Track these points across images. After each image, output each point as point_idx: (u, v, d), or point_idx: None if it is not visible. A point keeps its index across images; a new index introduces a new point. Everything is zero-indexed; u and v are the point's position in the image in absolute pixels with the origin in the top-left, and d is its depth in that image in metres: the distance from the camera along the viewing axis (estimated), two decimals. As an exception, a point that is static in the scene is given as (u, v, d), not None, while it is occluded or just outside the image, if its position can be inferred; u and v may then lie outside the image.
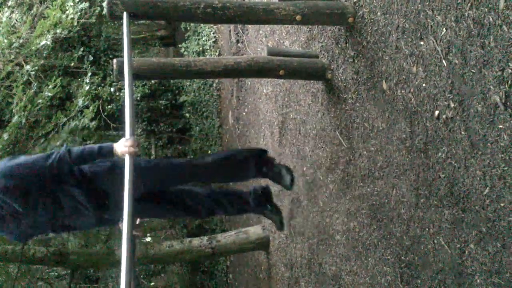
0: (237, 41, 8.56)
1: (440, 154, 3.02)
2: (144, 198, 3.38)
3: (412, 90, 3.27)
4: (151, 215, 3.97)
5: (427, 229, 3.22)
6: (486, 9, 2.54)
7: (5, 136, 7.22)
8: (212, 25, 10.64)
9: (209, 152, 11.27)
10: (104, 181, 3.25)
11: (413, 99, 3.26)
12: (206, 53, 10.60)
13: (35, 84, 8.09)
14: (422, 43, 3.12)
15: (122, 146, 2.92)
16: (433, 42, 2.99)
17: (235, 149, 3.97)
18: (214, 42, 10.58)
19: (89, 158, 3.12)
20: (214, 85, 10.91)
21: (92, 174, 3.25)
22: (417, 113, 3.23)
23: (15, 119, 7.35)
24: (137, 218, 3.49)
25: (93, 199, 3.24)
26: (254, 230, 7.41)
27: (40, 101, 7.62)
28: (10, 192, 2.95)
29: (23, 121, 7.38)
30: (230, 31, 9.10)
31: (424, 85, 3.12)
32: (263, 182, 4.16)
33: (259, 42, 7.07)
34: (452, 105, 2.86)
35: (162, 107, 12.19)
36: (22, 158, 3.06)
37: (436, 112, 3.01)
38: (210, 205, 3.71)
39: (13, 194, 2.96)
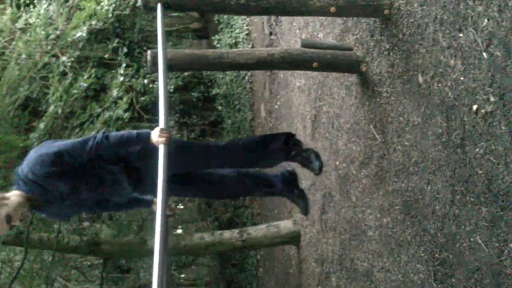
0: (270, 34, 8.51)
1: (478, 149, 2.93)
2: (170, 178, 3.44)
3: (449, 84, 3.18)
4: (174, 194, 4.02)
5: (463, 226, 3.14)
6: (530, 0, 2.45)
7: (42, 125, 7.34)
8: (245, 17, 10.62)
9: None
10: (138, 160, 3.37)
11: (450, 93, 3.18)
12: (239, 46, 10.57)
13: (71, 75, 8.19)
14: (461, 35, 3.03)
15: (157, 136, 3.01)
16: (473, 34, 2.90)
17: (263, 134, 4.01)
18: (247, 34, 10.55)
19: (126, 144, 3.23)
20: (247, 77, 10.88)
21: (128, 152, 3.37)
22: (454, 108, 3.14)
23: (51, 109, 7.46)
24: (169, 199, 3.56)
25: (129, 176, 3.37)
26: (285, 224, 7.38)
27: (75, 91, 7.71)
28: (52, 176, 3.09)
29: (59, 111, 7.48)
30: (263, 23, 9.06)
31: (462, 78, 3.03)
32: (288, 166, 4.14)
33: (293, 34, 7.02)
34: (492, 99, 2.77)
35: (195, 100, 12.23)
36: (61, 144, 3.18)
37: (475, 107, 2.92)
38: (235, 188, 3.75)
39: (56, 178, 3.11)
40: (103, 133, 3.20)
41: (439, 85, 3.30)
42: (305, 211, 3.95)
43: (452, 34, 3.12)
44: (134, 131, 3.22)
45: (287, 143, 3.70)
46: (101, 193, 3.42)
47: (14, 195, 3.10)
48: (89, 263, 13.68)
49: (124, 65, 9.22)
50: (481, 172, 2.92)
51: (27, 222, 3.37)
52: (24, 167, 3.13)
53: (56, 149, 3.11)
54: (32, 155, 3.15)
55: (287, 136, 3.78)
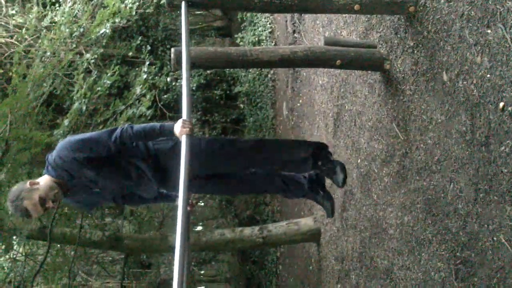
0: (294, 32, 8.51)
1: (503, 148, 2.91)
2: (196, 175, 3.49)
3: (474, 81, 3.16)
4: (200, 191, 4.09)
5: (486, 225, 3.12)
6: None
7: (66, 122, 7.44)
8: (268, 15, 10.63)
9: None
10: (166, 158, 3.45)
11: (475, 91, 3.16)
12: (262, 44, 10.59)
13: (95, 73, 8.29)
14: (489, 31, 3.01)
15: (180, 127, 3.08)
16: (502, 30, 2.87)
17: (295, 139, 4.04)
18: (270, 32, 10.56)
19: (150, 135, 3.32)
20: (269, 75, 10.89)
21: (156, 150, 3.47)
22: (479, 105, 3.12)
23: (75, 106, 7.55)
24: (190, 194, 3.61)
25: (156, 173, 3.47)
26: (306, 222, 7.38)
27: (99, 88, 7.80)
28: (79, 163, 3.22)
29: (84, 108, 7.57)
30: (286, 21, 9.06)
31: (488, 75, 3.01)
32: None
33: (316, 32, 7.01)
34: (518, 97, 2.75)
35: (217, 97, 12.27)
36: (87, 134, 3.35)
37: (501, 104, 2.90)
38: (262, 185, 3.79)
39: (83, 165, 3.24)
40: (129, 124, 3.32)
41: (464, 82, 3.28)
42: (331, 213, 3.95)
43: (480, 31, 3.10)
44: (158, 123, 3.31)
45: (317, 152, 3.70)
46: (127, 186, 3.52)
47: (44, 179, 3.27)
48: (110, 258, 13.81)
49: (147, 63, 9.30)
50: (506, 170, 2.90)
51: (59, 204, 3.50)
52: (53, 153, 3.28)
53: (83, 136, 3.28)
54: (64, 141, 3.30)
55: (319, 145, 3.79)
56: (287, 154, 3.69)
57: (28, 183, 3.21)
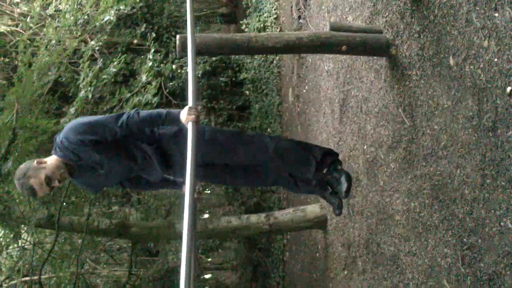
0: (299, 17, 8.46)
1: (510, 133, 2.89)
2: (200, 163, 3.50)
3: (481, 66, 3.13)
4: (204, 180, 4.07)
5: (492, 210, 3.11)
6: None
7: (72, 110, 7.45)
8: (273, 0, 10.57)
9: (268, 129, 11.26)
10: (169, 143, 3.48)
11: (482, 75, 3.13)
12: (267, 30, 10.54)
13: (101, 61, 8.28)
14: (496, 14, 2.97)
15: (185, 114, 3.08)
16: (510, 13, 2.84)
17: (308, 142, 4.01)
18: (275, 18, 10.50)
19: (157, 122, 3.34)
20: (275, 62, 10.84)
21: (159, 135, 3.49)
22: (486, 90, 3.09)
23: (81, 94, 7.55)
24: (197, 182, 3.61)
25: (160, 158, 3.49)
26: (312, 209, 7.38)
27: (104, 76, 7.79)
28: (86, 145, 3.26)
29: (90, 96, 7.58)
30: (291, 7, 9.00)
31: (496, 60, 2.98)
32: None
33: (321, 18, 6.97)
34: (525, 81, 2.73)
35: (222, 84, 12.23)
36: (95, 117, 3.37)
37: (508, 89, 2.87)
38: (270, 178, 3.76)
39: (89, 147, 3.28)
40: (136, 109, 3.33)
41: (471, 67, 3.25)
42: (338, 211, 3.84)
43: (487, 14, 3.06)
44: (165, 110, 3.31)
45: (326, 158, 3.63)
46: (133, 169, 3.55)
47: (51, 159, 3.32)
48: (118, 246, 13.87)
49: (153, 50, 9.27)
50: (512, 155, 2.88)
51: (64, 182, 3.54)
52: (61, 135, 3.32)
53: (90, 119, 3.31)
54: (71, 123, 3.33)
55: (329, 151, 3.72)
56: (293, 155, 3.63)
57: (35, 161, 3.26)
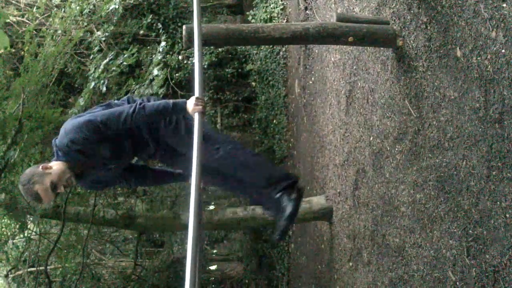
0: (306, 8, 8.44)
1: (516, 124, 2.88)
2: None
3: (489, 57, 3.11)
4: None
5: (498, 202, 3.10)
6: None
7: (81, 101, 7.47)
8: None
9: (274, 121, 11.26)
10: (165, 132, 3.46)
11: (489, 66, 3.11)
12: (274, 21, 10.51)
13: (113, 53, 8.28)
14: (504, 5, 2.95)
15: (192, 104, 3.06)
16: (517, 4, 2.82)
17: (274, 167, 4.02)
18: (282, 9, 10.47)
19: (163, 115, 3.29)
20: (281, 53, 10.82)
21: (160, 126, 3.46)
22: (494, 81, 3.08)
23: (91, 85, 7.58)
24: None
25: (158, 145, 3.50)
26: (317, 200, 7.38)
27: (114, 68, 7.81)
28: (92, 142, 3.20)
29: (104, 89, 7.60)
30: (298, -2, 8.97)
31: (503, 51, 2.97)
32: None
33: (328, 8, 6.94)
34: (532, 72, 2.71)
35: (229, 76, 12.22)
36: (95, 115, 3.23)
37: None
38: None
39: (96, 143, 3.21)
40: (140, 103, 3.26)
41: (478, 58, 3.24)
42: (279, 235, 3.62)
43: (495, 5, 3.04)
44: (171, 101, 3.26)
45: (281, 182, 3.53)
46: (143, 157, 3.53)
47: (56, 165, 3.23)
48: (123, 237, 13.92)
49: (163, 43, 9.27)
50: (519, 147, 2.87)
51: (71, 188, 3.50)
52: (61, 138, 3.23)
53: (92, 118, 3.20)
54: (69, 124, 3.24)
55: (286, 176, 3.64)
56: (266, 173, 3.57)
57: (40, 167, 3.18)
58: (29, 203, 7.88)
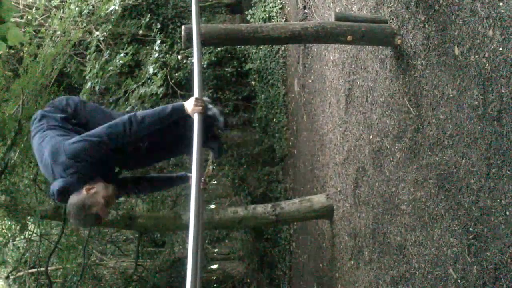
0: (304, 7, 8.44)
1: (515, 122, 2.88)
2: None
3: (487, 55, 3.12)
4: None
5: (498, 200, 3.11)
6: None
7: (78, 101, 7.45)
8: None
9: (274, 119, 11.27)
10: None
11: (487, 65, 3.12)
12: (273, 20, 10.52)
13: (107, 52, 8.29)
14: (501, 4, 2.96)
15: (191, 105, 3.05)
16: (513, 3, 2.83)
17: None
18: (280, 8, 10.48)
19: (163, 120, 3.19)
20: (280, 52, 10.83)
21: None
22: (492, 79, 3.08)
23: (88, 85, 7.57)
24: (203, 173, 3.52)
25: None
26: (318, 199, 7.39)
27: (111, 68, 7.80)
28: (98, 158, 3.07)
29: (97, 87, 7.59)
30: (297, -3, 8.98)
31: (500, 49, 2.97)
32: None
33: (327, 8, 6.94)
34: (530, 70, 2.72)
35: (228, 75, 12.23)
36: (89, 139, 3.06)
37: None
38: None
39: (102, 155, 3.09)
40: (135, 114, 3.14)
41: (476, 56, 3.24)
42: (219, 154, 3.77)
43: (492, 4, 3.05)
44: (168, 105, 3.21)
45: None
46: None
47: (94, 182, 3.11)
48: (124, 237, 13.93)
49: (159, 41, 9.27)
50: (518, 144, 2.88)
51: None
52: (70, 166, 3.04)
53: (91, 140, 3.04)
54: (68, 152, 3.03)
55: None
56: None
57: (84, 190, 3.04)
58: (29, 204, 7.89)
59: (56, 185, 3.07)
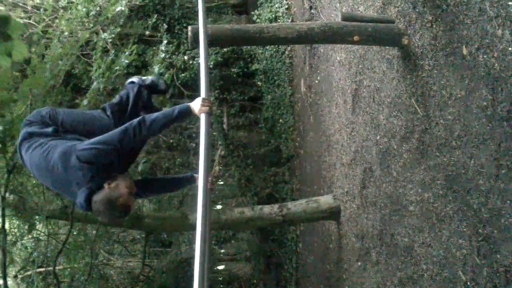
0: (310, 8, 8.42)
1: (524, 122, 2.86)
2: None
3: (495, 55, 3.09)
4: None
5: (508, 201, 3.08)
6: None
7: (85, 102, 7.48)
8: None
9: (280, 120, 11.25)
10: None
11: (496, 64, 3.09)
12: (279, 20, 10.50)
13: (113, 52, 8.30)
14: (510, 3, 2.93)
15: (199, 105, 3.06)
16: (522, 3, 2.80)
17: None
18: (286, 9, 10.46)
19: (170, 122, 3.24)
20: (287, 52, 10.81)
21: None
22: (501, 79, 3.06)
23: (94, 85, 7.58)
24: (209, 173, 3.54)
25: None
26: (325, 200, 7.36)
27: (117, 68, 7.81)
28: (109, 161, 3.12)
29: (101, 87, 7.60)
30: (303, -3, 8.96)
31: (510, 49, 2.95)
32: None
33: (333, 8, 6.92)
34: (540, 70, 2.69)
35: (235, 75, 12.23)
36: (106, 148, 3.11)
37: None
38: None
39: (107, 167, 3.12)
40: (143, 119, 3.17)
41: (485, 56, 3.22)
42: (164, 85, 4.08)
43: (501, 3, 3.02)
44: (175, 107, 3.19)
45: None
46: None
47: (113, 177, 3.15)
48: (131, 237, 13.96)
49: (165, 41, 9.27)
50: (527, 145, 2.85)
51: None
52: (86, 173, 3.10)
53: (97, 152, 3.10)
54: (81, 160, 3.09)
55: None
56: None
57: (105, 187, 3.09)
58: (37, 204, 7.91)
59: (80, 197, 3.12)
